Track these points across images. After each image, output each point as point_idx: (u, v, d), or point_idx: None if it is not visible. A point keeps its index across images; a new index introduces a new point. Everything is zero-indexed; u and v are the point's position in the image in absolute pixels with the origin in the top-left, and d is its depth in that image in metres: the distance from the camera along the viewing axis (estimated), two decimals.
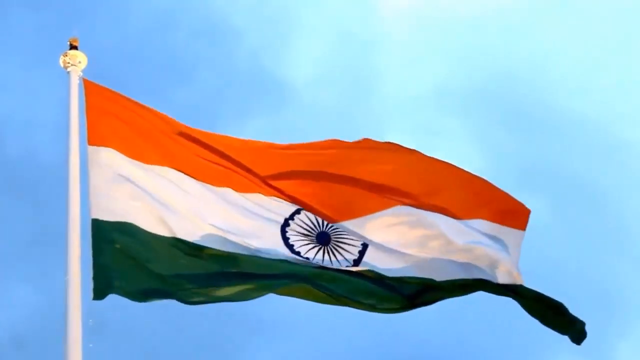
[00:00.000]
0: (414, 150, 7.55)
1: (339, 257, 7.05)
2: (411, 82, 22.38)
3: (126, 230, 6.56)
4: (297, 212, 7.22)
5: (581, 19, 22.88)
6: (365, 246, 7.11)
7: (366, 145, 7.51)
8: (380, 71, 22.55)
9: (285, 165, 7.38)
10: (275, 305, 7.13)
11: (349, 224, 7.17)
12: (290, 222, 7.15)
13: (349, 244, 7.13)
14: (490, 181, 7.50)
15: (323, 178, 7.37)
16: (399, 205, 7.26)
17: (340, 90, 22.17)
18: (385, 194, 7.31)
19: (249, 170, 7.27)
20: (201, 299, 6.66)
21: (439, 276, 7.01)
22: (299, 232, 7.12)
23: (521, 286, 6.95)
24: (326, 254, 7.04)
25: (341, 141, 7.52)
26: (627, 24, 22.57)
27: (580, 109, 21.48)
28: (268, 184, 7.26)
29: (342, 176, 7.37)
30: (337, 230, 7.18)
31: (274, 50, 22.38)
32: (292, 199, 7.24)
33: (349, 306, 6.99)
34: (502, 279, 6.96)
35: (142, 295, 6.44)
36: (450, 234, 7.11)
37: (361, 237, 7.13)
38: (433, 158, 7.51)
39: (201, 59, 21.79)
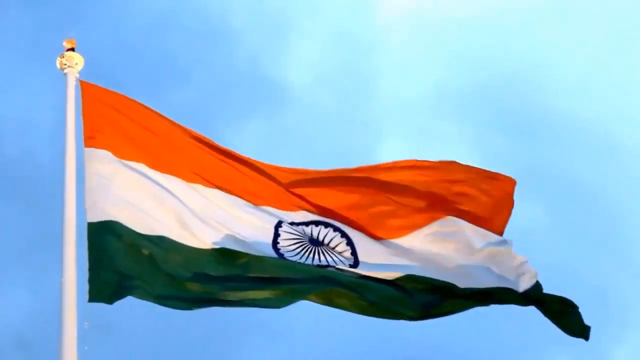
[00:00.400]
0: (430, 161, 7.60)
1: (336, 257, 7.03)
2: (409, 84, 22.40)
3: (116, 230, 6.50)
4: (313, 222, 7.21)
5: (578, 22, 22.91)
6: (352, 245, 7.09)
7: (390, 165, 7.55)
8: (378, 74, 22.58)
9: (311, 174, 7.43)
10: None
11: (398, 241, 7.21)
12: (292, 225, 7.13)
13: (338, 244, 7.12)
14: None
15: (358, 186, 7.43)
16: (442, 217, 7.34)
17: (338, 93, 22.17)
18: (423, 205, 7.38)
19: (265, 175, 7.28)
20: (227, 299, 6.60)
21: (462, 283, 6.98)
22: (290, 235, 7.09)
23: (539, 291, 6.93)
24: (321, 254, 7.01)
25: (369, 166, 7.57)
26: (624, 25, 22.60)
27: (577, 111, 21.52)
28: (291, 192, 7.28)
29: (381, 183, 7.42)
30: (327, 233, 7.16)
31: (272, 52, 22.39)
32: (322, 210, 7.26)
33: (380, 316, 6.95)
34: (524, 285, 6.94)
35: (164, 299, 6.37)
36: (475, 240, 7.18)
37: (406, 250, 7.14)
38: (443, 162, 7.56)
39: (199, 61, 21.79)
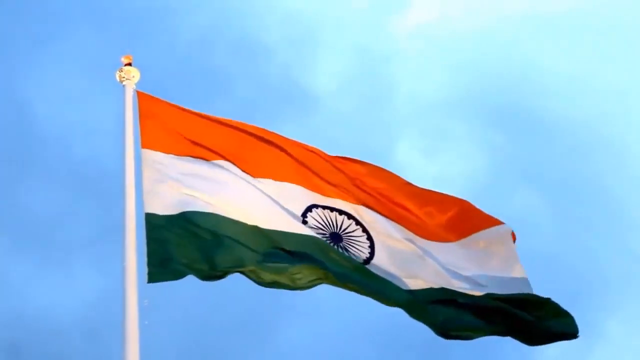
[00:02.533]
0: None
1: (352, 252, 6.80)
2: (423, 90, 22.32)
3: (186, 219, 6.44)
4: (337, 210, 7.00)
5: (575, 29, 22.71)
6: (372, 248, 6.83)
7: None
8: (394, 82, 22.52)
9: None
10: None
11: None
12: (313, 210, 6.94)
13: (360, 244, 6.90)
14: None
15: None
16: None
17: (358, 100, 22.16)
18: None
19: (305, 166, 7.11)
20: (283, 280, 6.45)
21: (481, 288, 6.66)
22: (316, 221, 6.91)
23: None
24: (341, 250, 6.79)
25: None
26: (621, 29, 22.37)
27: (573, 112, 21.33)
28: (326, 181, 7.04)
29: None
30: (349, 234, 6.94)
31: (301, 64, 22.40)
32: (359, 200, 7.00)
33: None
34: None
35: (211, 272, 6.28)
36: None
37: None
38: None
39: (238, 73, 21.83)
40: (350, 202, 7.10)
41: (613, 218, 20.40)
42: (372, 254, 6.84)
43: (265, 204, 6.81)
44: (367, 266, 6.72)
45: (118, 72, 7.51)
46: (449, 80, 22.19)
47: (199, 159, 6.95)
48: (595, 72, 22.19)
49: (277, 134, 7.30)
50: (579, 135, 21.34)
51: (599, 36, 22.51)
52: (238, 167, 6.98)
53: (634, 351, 18.77)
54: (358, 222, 7.02)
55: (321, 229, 6.87)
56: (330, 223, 6.94)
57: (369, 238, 6.94)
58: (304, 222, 6.82)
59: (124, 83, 7.43)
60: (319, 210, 6.96)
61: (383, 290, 6.59)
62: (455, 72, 22.34)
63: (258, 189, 6.89)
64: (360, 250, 6.83)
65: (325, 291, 6.84)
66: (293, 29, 22.59)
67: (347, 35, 23.04)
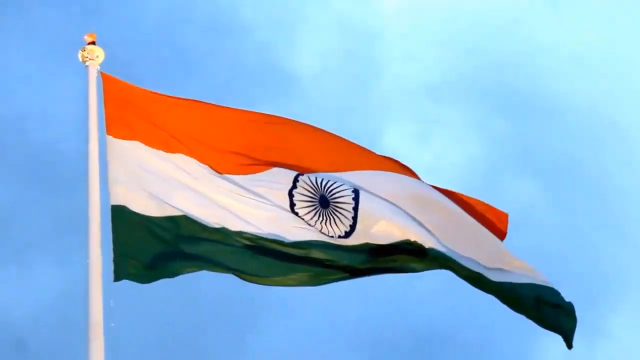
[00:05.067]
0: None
1: (334, 227, 7.01)
2: (411, 73, 22.36)
3: (132, 213, 6.56)
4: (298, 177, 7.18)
5: (575, 7, 22.81)
6: (355, 210, 7.05)
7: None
8: (382, 63, 22.54)
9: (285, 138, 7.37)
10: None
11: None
12: (295, 187, 7.12)
13: (344, 208, 7.08)
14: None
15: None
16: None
17: (344, 82, 22.14)
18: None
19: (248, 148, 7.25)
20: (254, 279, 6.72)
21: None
22: (303, 196, 7.08)
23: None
24: (325, 223, 7.01)
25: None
26: (621, 10, 22.49)
27: (575, 94, 21.46)
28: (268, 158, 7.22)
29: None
30: (336, 192, 7.14)
31: (280, 43, 22.35)
32: (291, 166, 7.20)
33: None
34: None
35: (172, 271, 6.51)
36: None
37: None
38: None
39: (211, 53, 21.78)
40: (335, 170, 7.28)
41: (619, 210, 20.61)
42: (353, 226, 7.03)
43: (241, 203, 6.94)
44: (345, 241, 6.93)
45: (80, 51, 7.49)
46: (442, 59, 22.27)
47: (168, 153, 7.01)
48: (602, 51, 22.34)
49: (253, 112, 7.39)
50: (583, 120, 21.51)
51: (605, 11, 22.68)
52: (212, 167, 7.08)
53: None
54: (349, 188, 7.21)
55: (311, 197, 7.04)
56: (319, 186, 7.13)
57: (355, 207, 7.10)
58: (292, 207, 6.96)
59: (87, 63, 7.41)
60: (305, 178, 7.14)
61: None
62: (449, 50, 22.43)
63: (226, 187, 7.02)
64: (342, 222, 7.01)
65: (306, 288, 6.95)
66: (272, 4, 22.60)
67: (331, 11, 23.06)
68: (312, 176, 7.16)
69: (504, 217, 7.43)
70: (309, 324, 18.25)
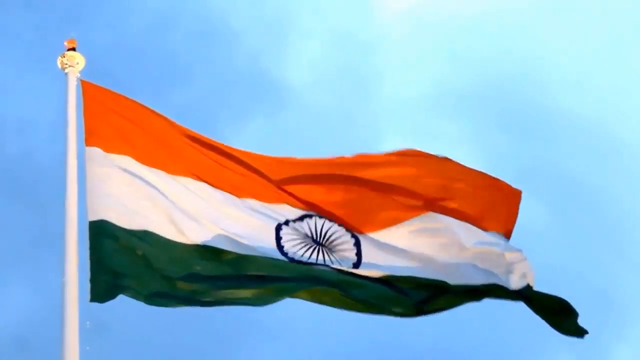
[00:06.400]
0: (430, 154, 7.59)
1: (337, 257, 7.03)
2: (409, 83, 22.40)
3: (109, 229, 6.50)
4: (307, 216, 7.20)
5: (578, 21, 22.94)
6: (358, 244, 7.08)
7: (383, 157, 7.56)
8: (378, 73, 22.59)
9: (303, 170, 7.39)
10: (270, 306, 7.13)
11: (375, 236, 7.18)
12: (290, 223, 7.12)
13: (344, 243, 7.11)
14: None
15: (345, 182, 7.39)
16: (425, 213, 7.31)
17: (338, 92, 22.18)
18: (411, 200, 7.36)
19: (257, 173, 7.27)
20: (214, 299, 6.62)
21: (452, 280, 6.97)
22: (295, 233, 7.08)
23: (530, 289, 6.91)
24: (324, 254, 7.01)
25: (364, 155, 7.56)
26: (622, 25, 22.63)
27: (578, 110, 21.53)
28: (282, 189, 7.25)
29: (366, 181, 7.40)
30: (333, 232, 7.15)
31: (272, 51, 22.40)
32: (310, 206, 7.24)
33: (366, 312, 6.93)
34: (515, 283, 6.91)
35: (154, 298, 6.40)
36: (464, 238, 7.14)
37: (386, 245, 7.13)
38: (448, 160, 7.55)
39: (199, 61, 21.79)
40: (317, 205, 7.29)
41: (622, 229, 20.64)
42: (359, 255, 7.06)
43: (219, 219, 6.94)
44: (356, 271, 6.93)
45: (60, 57, 7.48)
46: (441, 71, 22.33)
47: (149, 167, 6.98)
48: (606, 66, 22.46)
49: (226, 146, 7.38)
50: (586, 136, 21.58)
51: (609, 27, 22.79)
52: (197, 180, 7.06)
53: None
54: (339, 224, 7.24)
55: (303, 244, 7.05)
56: (310, 232, 7.13)
57: (356, 241, 7.14)
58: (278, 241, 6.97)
59: (66, 70, 7.39)
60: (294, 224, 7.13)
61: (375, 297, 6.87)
62: (446, 63, 22.50)
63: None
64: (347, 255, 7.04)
65: (298, 308, 6.92)
66: (263, 11, 22.62)
67: (326, 18, 23.12)
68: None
69: (517, 193, 7.58)
70: (298, 347, 18.21)
